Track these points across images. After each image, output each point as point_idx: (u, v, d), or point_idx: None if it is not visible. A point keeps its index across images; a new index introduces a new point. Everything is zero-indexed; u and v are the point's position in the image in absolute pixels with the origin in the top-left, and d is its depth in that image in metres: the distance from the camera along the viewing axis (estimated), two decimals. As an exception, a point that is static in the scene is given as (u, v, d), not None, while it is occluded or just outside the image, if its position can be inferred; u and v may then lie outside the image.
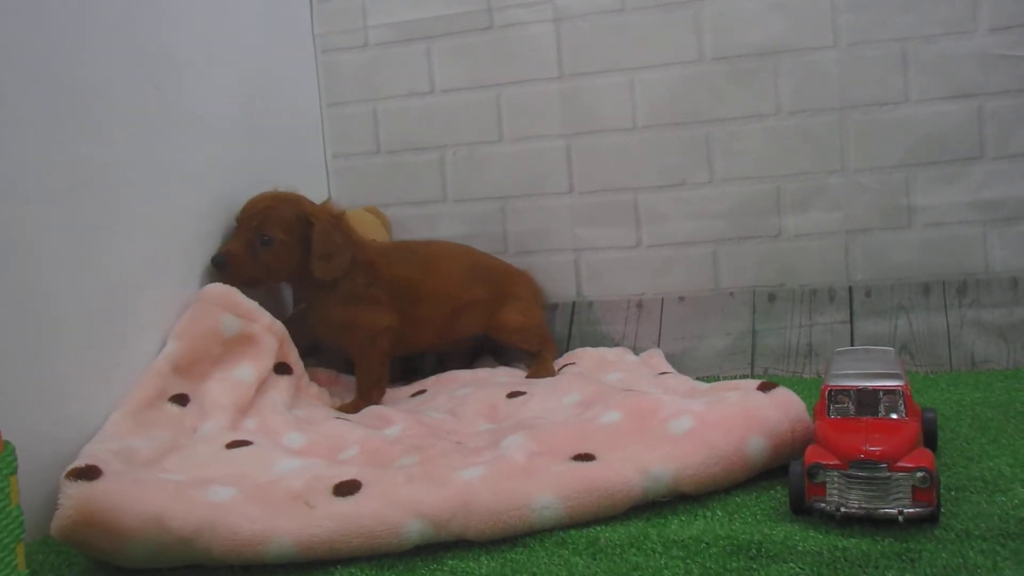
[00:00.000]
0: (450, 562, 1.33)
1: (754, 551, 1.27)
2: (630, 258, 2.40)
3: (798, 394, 1.61)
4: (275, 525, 1.34)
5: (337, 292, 2.06)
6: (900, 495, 1.28)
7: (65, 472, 1.36)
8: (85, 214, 1.66)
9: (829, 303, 2.23)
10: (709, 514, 1.42)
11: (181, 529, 1.31)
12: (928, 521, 1.29)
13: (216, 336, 1.85)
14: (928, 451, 1.33)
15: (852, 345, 2.16)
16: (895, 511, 1.27)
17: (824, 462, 1.32)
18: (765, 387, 1.63)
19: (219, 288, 1.90)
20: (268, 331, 1.92)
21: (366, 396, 2.06)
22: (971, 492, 1.40)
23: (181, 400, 1.75)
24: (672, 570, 1.24)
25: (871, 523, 1.30)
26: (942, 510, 1.32)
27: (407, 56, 2.49)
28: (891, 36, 2.16)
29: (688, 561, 1.26)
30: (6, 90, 1.52)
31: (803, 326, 2.22)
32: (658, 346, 2.31)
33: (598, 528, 1.39)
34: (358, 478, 1.45)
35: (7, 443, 1.18)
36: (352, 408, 2.01)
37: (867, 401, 1.42)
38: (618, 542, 1.33)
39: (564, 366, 2.21)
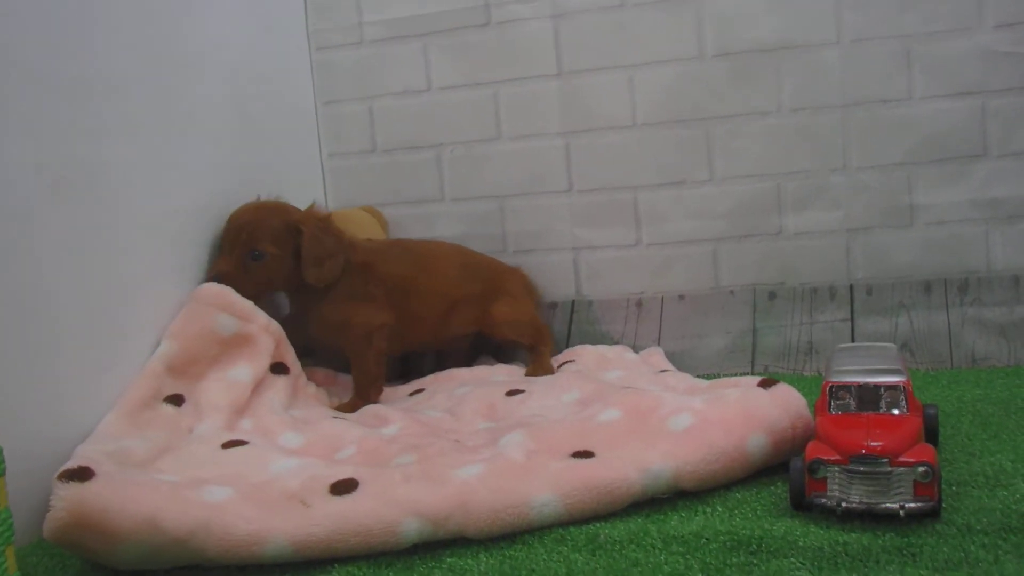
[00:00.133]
0: (448, 560, 1.32)
1: (754, 546, 1.25)
2: (630, 257, 2.39)
3: (799, 391, 1.60)
4: (271, 525, 1.32)
5: (332, 293, 2.04)
6: (901, 490, 1.27)
7: (57, 473, 1.34)
8: (81, 213, 1.64)
9: (830, 301, 2.21)
10: (709, 510, 1.40)
11: (175, 530, 1.30)
12: (929, 516, 1.28)
13: (212, 336, 1.83)
14: (929, 446, 1.32)
15: (853, 342, 2.14)
16: (896, 506, 1.26)
17: (825, 457, 1.31)
18: (766, 384, 1.62)
19: (214, 288, 1.88)
20: (264, 331, 1.90)
21: (363, 395, 2.04)
22: (972, 487, 1.38)
23: (176, 400, 1.74)
24: (672, 566, 1.22)
25: (872, 518, 1.29)
26: (943, 505, 1.31)
27: (403, 53, 2.48)
28: (894, 33, 2.14)
29: (688, 557, 1.25)
30: (3, 88, 1.51)
31: (804, 324, 2.21)
32: (658, 345, 2.30)
33: (597, 525, 1.37)
34: (355, 477, 1.44)
35: (-5, 444, 1.16)
36: (350, 407, 2.00)
37: (868, 397, 1.41)
38: (617, 538, 1.32)
39: (563, 363, 2.19)
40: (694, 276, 2.34)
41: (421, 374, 2.25)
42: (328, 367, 2.20)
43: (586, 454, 1.50)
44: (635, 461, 1.46)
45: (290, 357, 1.97)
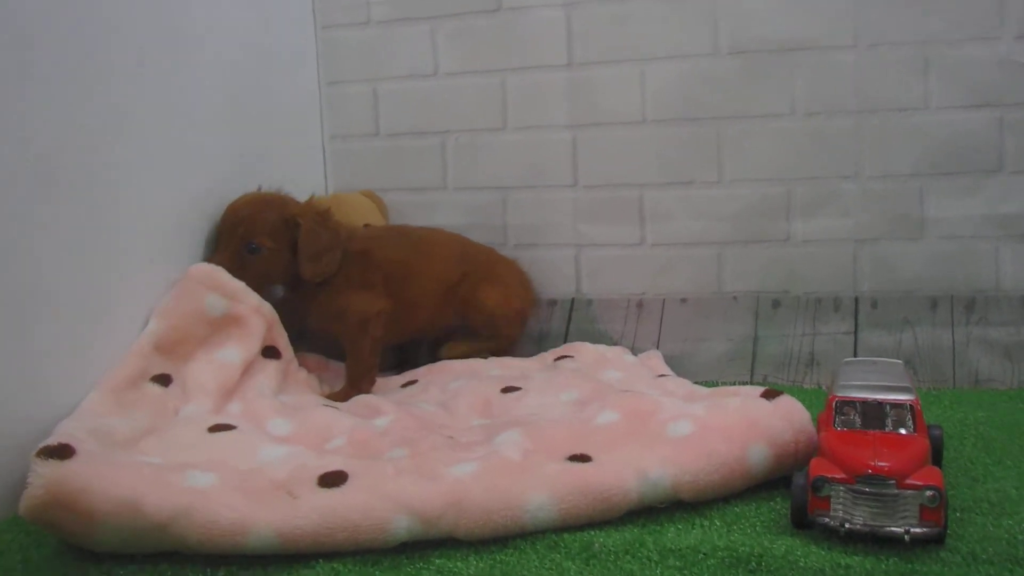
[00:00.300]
0: (437, 561, 1.28)
1: (753, 564, 1.22)
2: (632, 256, 2.35)
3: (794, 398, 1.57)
4: (256, 515, 1.29)
5: (330, 281, 2.01)
6: (907, 513, 1.23)
7: (36, 450, 1.31)
8: (70, 190, 1.61)
9: (834, 312, 2.17)
10: (707, 523, 1.37)
11: (156, 514, 1.27)
12: (934, 542, 1.24)
13: (201, 316, 1.80)
14: (937, 469, 1.28)
15: (855, 356, 2.11)
16: (901, 530, 1.22)
17: (830, 475, 1.27)
18: (769, 395, 1.58)
19: (205, 268, 1.85)
20: (256, 313, 1.87)
21: (356, 385, 2.01)
22: (976, 514, 1.35)
23: (163, 380, 1.71)
24: (668, 581, 1.19)
25: (875, 541, 1.25)
26: (948, 531, 1.27)
27: (410, 35, 2.43)
28: (913, 39, 2.10)
29: (685, 572, 1.21)
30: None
31: (806, 335, 2.17)
32: (657, 347, 2.26)
33: (592, 532, 1.34)
34: (345, 469, 1.41)
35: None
36: (341, 396, 1.96)
37: (873, 414, 1.37)
38: (612, 548, 1.28)
39: (561, 358, 2.16)
40: (697, 279, 2.30)
41: (415, 364, 2.22)
42: (320, 353, 2.16)
43: (583, 458, 1.46)
44: (633, 466, 1.42)
45: (282, 341, 1.94)
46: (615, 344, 2.26)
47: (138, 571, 1.28)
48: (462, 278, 2.20)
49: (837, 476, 1.27)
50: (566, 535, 1.33)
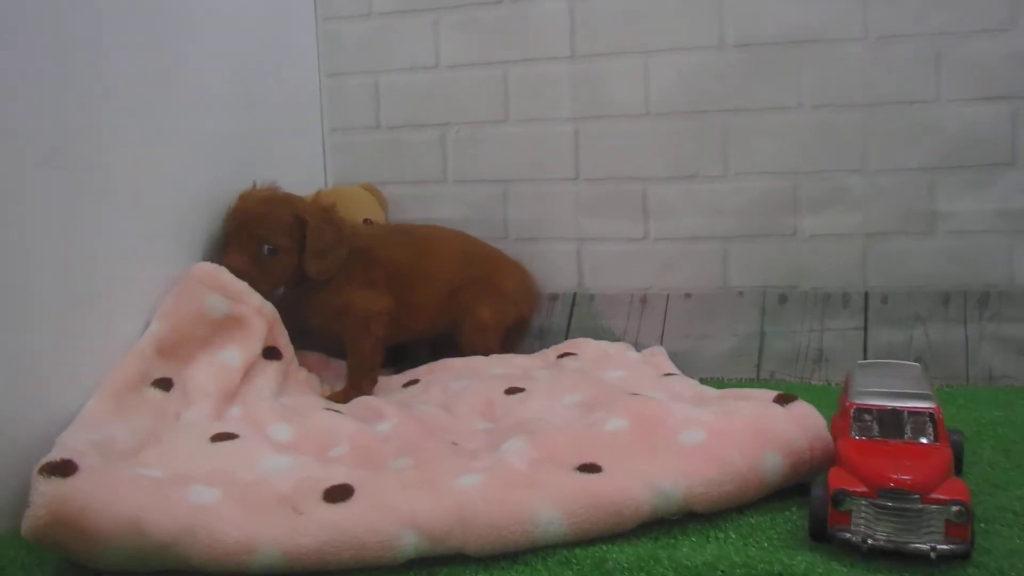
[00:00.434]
0: (445, 579, 1.24)
1: (774, 582, 1.18)
2: (636, 251, 2.31)
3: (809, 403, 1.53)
4: (261, 532, 1.26)
5: (333, 279, 1.99)
6: (932, 529, 1.20)
7: (38, 466, 1.27)
8: (67, 182, 1.56)
9: (843, 308, 2.14)
10: (722, 536, 1.33)
11: (159, 534, 1.23)
12: (961, 559, 1.20)
13: (202, 317, 1.77)
14: (962, 482, 1.24)
15: (865, 353, 2.08)
16: (927, 547, 1.18)
17: (851, 489, 1.23)
18: (782, 400, 1.54)
19: (207, 267, 1.82)
20: (258, 313, 1.83)
21: (357, 385, 1.98)
22: (1001, 525, 1.31)
23: (164, 385, 1.67)
24: (686, 600, 1.15)
25: (898, 557, 1.21)
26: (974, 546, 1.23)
27: (412, 27, 2.40)
28: (924, 31, 2.06)
29: (703, 591, 1.18)
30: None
31: (814, 331, 2.14)
32: (661, 344, 2.22)
33: (604, 547, 1.29)
34: (349, 482, 1.37)
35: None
36: (342, 397, 1.93)
37: (893, 422, 1.33)
38: (626, 564, 1.24)
39: (563, 355, 2.13)
40: (702, 274, 2.27)
41: (415, 362, 2.19)
42: (321, 351, 2.13)
43: (592, 468, 1.42)
44: (644, 477, 1.38)
45: (283, 341, 1.91)
46: (618, 340, 2.23)
47: (142, 589, 1.25)
48: (464, 284, 2.17)
49: (858, 490, 1.23)
50: (578, 550, 1.29)
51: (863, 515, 1.22)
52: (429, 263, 2.14)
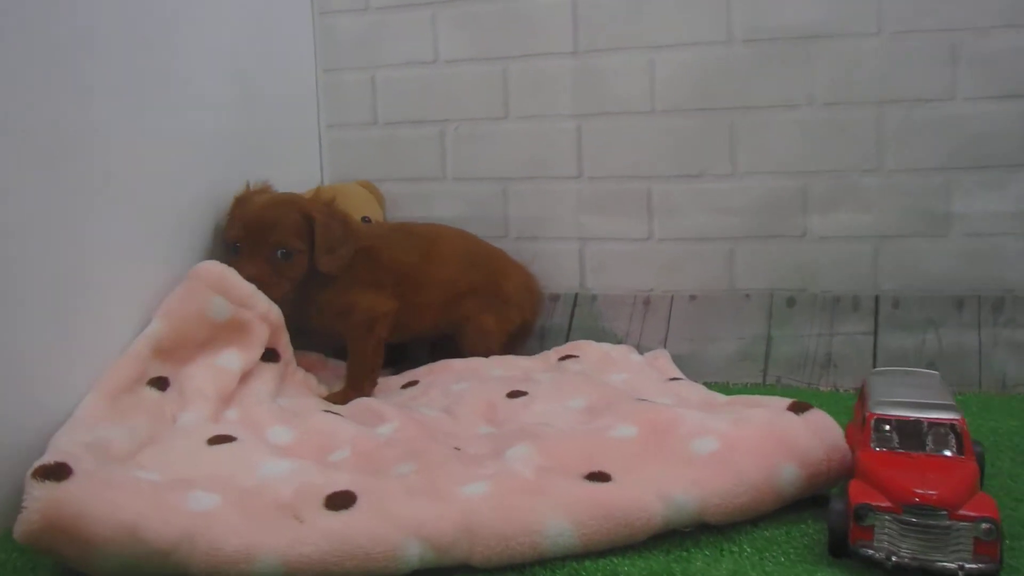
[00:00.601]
0: (450, 591, 1.19)
1: (794, 602, 1.13)
2: (639, 251, 2.26)
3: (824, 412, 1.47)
4: (261, 541, 1.21)
5: (337, 278, 1.95)
6: (960, 547, 1.14)
7: (32, 470, 1.24)
8: (61, 178, 1.53)
9: (852, 312, 2.08)
10: (736, 550, 1.27)
11: (157, 540, 1.20)
12: (990, 578, 1.15)
13: (204, 319, 1.73)
14: (990, 498, 1.18)
15: (875, 359, 2.02)
16: (955, 566, 1.13)
17: (875, 503, 1.18)
18: (797, 408, 1.48)
19: (214, 268, 1.77)
20: (262, 319, 1.79)
21: (357, 386, 1.95)
22: (1028, 542, 1.25)
23: (161, 384, 1.64)
24: (701, 620, 1.10)
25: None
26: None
27: (410, 22, 2.36)
28: (940, 26, 2.00)
29: (720, 611, 1.12)
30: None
31: (822, 335, 2.08)
32: (664, 347, 2.17)
33: (615, 560, 1.24)
34: (352, 489, 1.33)
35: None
36: (341, 398, 1.90)
37: (914, 433, 1.28)
38: (637, 579, 1.19)
39: (565, 357, 2.08)
40: (707, 276, 2.22)
41: (413, 362, 2.16)
42: (319, 351, 2.11)
43: (602, 476, 1.37)
44: (656, 488, 1.33)
45: (283, 343, 1.87)
46: (620, 343, 2.18)
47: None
48: (468, 290, 2.13)
49: (882, 505, 1.17)
50: (587, 562, 1.24)
51: (887, 531, 1.17)
52: (433, 265, 2.10)
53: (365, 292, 1.97)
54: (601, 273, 2.30)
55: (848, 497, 1.21)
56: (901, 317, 2.06)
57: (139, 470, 1.39)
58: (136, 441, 1.48)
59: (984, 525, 1.13)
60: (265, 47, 2.18)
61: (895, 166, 2.06)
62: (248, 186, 1.95)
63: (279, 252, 1.86)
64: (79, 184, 1.57)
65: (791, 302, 2.14)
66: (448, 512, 1.27)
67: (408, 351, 2.25)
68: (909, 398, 1.33)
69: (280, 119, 2.27)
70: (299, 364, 1.95)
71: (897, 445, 1.27)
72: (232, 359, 1.74)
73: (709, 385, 1.89)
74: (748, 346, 2.13)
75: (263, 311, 1.79)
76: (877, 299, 2.09)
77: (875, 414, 1.30)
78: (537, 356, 2.13)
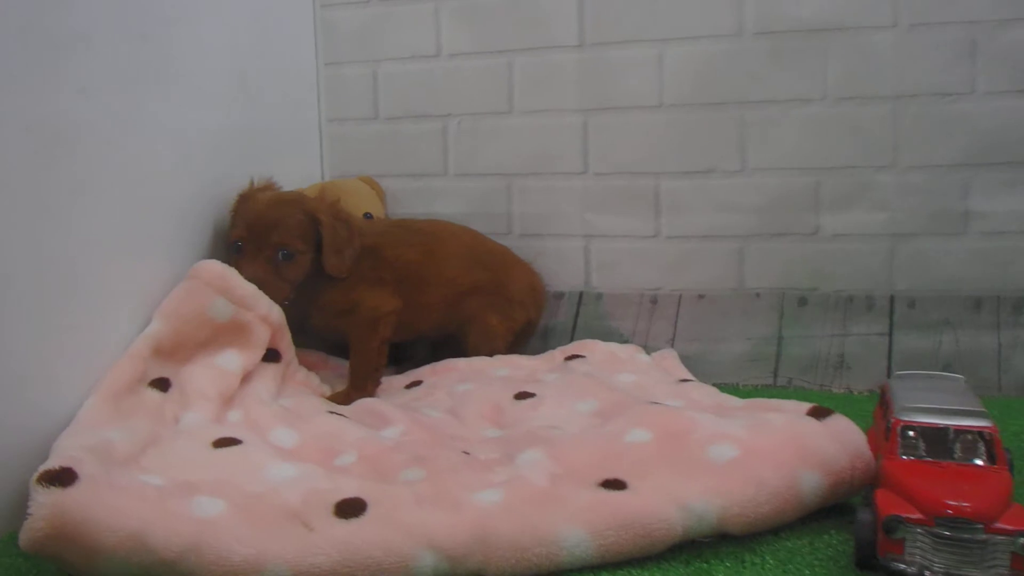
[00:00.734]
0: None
1: (821, 617, 1.08)
2: (646, 249, 2.22)
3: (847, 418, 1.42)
4: (270, 550, 1.19)
5: (340, 279, 1.93)
6: (996, 562, 1.09)
7: (36, 475, 1.22)
8: (59, 175, 1.50)
9: (866, 312, 2.04)
10: (758, 561, 1.23)
11: (163, 549, 1.18)
12: (1026, 594, 1.10)
13: (204, 320, 1.70)
14: (1025, 509, 1.14)
15: (889, 360, 1.98)
16: (992, 581, 1.08)
17: (906, 515, 1.13)
18: (818, 413, 1.43)
19: (216, 268, 1.74)
20: (263, 321, 1.76)
21: (360, 386, 1.91)
22: (1062, 554, 1.21)
23: (162, 385, 1.62)
24: (725, 637, 1.06)
25: (958, 591, 1.11)
26: (1038, 580, 1.13)
27: (413, 15, 2.32)
28: (958, 19, 1.96)
29: (745, 627, 1.07)
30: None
31: (835, 336, 2.04)
32: (672, 347, 2.13)
33: (633, 572, 1.21)
34: (361, 496, 1.30)
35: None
36: (344, 399, 1.87)
37: (941, 440, 1.23)
38: (658, 593, 1.14)
39: (571, 357, 2.04)
40: (716, 274, 2.17)
41: (415, 361, 2.13)
42: (320, 349, 2.09)
43: (617, 484, 1.32)
44: (674, 496, 1.29)
45: (284, 343, 1.84)
46: (627, 342, 2.14)
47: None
48: (472, 288, 2.09)
49: (914, 517, 1.13)
50: (604, 573, 1.21)
51: (919, 544, 1.12)
52: (437, 263, 2.07)
53: (370, 290, 1.95)
54: (607, 271, 2.26)
55: (876, 508, 1.16)
56: (917, 317, 2.01)
57: (143, 474, 1.36)
58: (138, 443, 1.45)
59: (1022, 539, 1.08)
60: (266, 41, 2.15)
61: (911, 163, 2.02)
62: (252, 183, 1.92)
63: (280, 253, 1.83)
64: (78, 179, 1.54)
65: (803, 301, 2.10)
66: (461, 521, 1.24)
67: (410, 349, 2.21)
68: (936, 404, 1.28)
69: (280, 113, 2.24)
70: (300, 363, 1.93)
71: (924, 453, 1.23)
72: (232, 361, 1.71)
73: (718, 387, 1.84)
74: (758, 347, 2.09)
75: (264, 312, 1.76)
76: (892, 299, 2.04)
77: (902, 421, 1.25)
78: (542, 356, 2.09)
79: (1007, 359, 1.92)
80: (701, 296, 2.18)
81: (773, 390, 1.99)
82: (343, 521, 1.25)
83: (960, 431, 1.22)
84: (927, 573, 1.11)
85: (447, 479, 1.37)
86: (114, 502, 1.21)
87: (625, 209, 2.23)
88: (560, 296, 2.28)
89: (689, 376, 1.94)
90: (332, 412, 1.71)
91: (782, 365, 2.04)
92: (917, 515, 1.13)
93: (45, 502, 1.18)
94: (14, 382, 1.42)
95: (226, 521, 1.24)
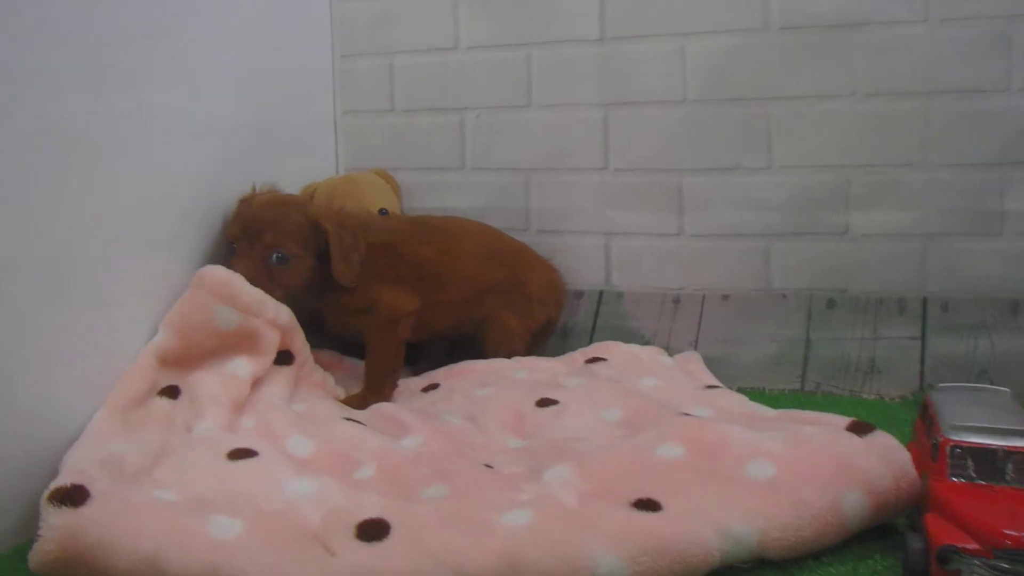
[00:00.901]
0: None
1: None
2: (669, 248, 2.17)
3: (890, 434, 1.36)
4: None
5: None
6: (1057, 596, 1.04)
7: (48, 492, 1.20)
8: (63, 174, 1.47)
9: (898, 315, 1.99)
10: (801, 590, 1.18)
11: (178, 574, 1.15)
12: (1092, 634, 1.05)
13: (211, 330, 1.66)
14: (1090, 539, 1.09)
15: (922, 365, 1.92)
16: (1054, 618, 1.03)
17: (962, 546, 1.07)
18: (859, 429, 1.37)
19: (220, 274, 1.69)
20: (271, 326, 1.72)
21: (377, 389, 1.88)
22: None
23: (172, 393, 1.59)
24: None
25: (1017, 627, 1.06)
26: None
27: (430, 6, 2.29)
28: (992, 12, 1.90)
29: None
30: (12, 40, 1.38)
31: (865, 339, 1.98)
32: (695, 349, 2.08)
33: (670, 602, 1.15)
34: (384, 516, 1.25)
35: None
36: (359, 402, 1.83)
37: (989, 460, 1.18)
38: (698, 623, 1.09)
39: (592, 360, 1.99)
40: (742, 274, 2.12)
41: (431, 361, 2.10)
42: (335, 349, 2.05)
43: (651, 504, 1.26)
44: (711, 518, 1.23)
45: (297, 343, 1.81)
46: (648, 343, 2.09)
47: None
48: (490, 287, 2.06)
49: (970, 547, 1.07)
50: (639, 604, 1.15)
51: (975, 576, 1.07)
52: (454, 261, 2.03)
53: (388, 289, 1.92)
54: (628, 270, 2.22)
55: (927, 535, 1.11)
56: (951, 320, 1.96)
57: (156, 488, 1.33)
58: (150, 455, 1.41)
59: (1086, 573, 1.03)
60: (281, 32, 2.13)
61: (943, 160, 1.97)
62: (254, 188, 1.89)
63: (274, 255, 1.79)
64: (83, 179, 1.52)
65: (831, 303, 2.05)
66: (490, 545, 1.19)
67: (426, 349, 2.18)
68: (986, 422, 1.23)
69: (295, 107, 2.22)
70: (316, 362, 1.89)
71: (974, 475, 1.18)
72: (242, 367, 1.68)
73: (742, 390, 1.81)
74: (785, 349, 2.03)
75: (271, 316, 1.72)
76: (925, 301, 1.99)
77: (951, 440, 1.20)
78: (562, 357, 2.05)
79: (1045, 365, 1.88)
80: (726, 296, 2.13)
81: (800, 395, 1.94)
82: (366, 545, 1.20)
83: (1012, 452, 1.17)
84: (985, 607, 1.05)
85: (472, 497, 1.33)
86: (127, 522, 1.18)
87: (646, 206, 2.18)
88: (580, 295, 2.24)
89: (716, 382, 1.88)
90: (348, 419, 1.67)
91: (810, 369, 1.99)
92: (974, 545, 1.07)
93: (56, 523, 1.16)
94: (23, 391, 1.40)
95: (244, 543, 1.20)
